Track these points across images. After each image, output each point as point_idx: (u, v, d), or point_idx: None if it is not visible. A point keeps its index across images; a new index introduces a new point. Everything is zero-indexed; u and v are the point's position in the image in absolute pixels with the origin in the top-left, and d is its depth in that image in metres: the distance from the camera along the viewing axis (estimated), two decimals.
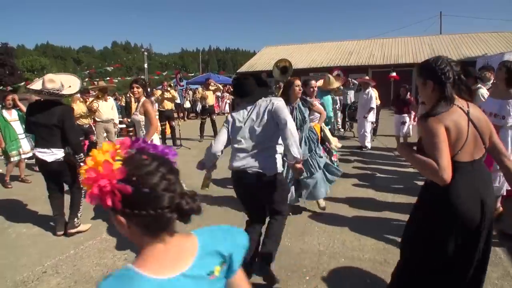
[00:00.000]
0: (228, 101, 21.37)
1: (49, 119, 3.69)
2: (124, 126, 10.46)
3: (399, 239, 3.38)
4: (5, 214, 4.77)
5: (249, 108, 2.77)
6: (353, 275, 2.94)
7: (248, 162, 2.69)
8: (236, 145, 2.77)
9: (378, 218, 4.12)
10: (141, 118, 4.33)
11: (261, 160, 2.68)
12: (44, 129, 3.72)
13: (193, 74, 30.00)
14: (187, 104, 19.00)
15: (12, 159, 6.25)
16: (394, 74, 16.00)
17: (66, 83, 3.89)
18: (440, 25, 30.19)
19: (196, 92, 15.22)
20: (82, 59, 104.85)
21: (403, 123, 7.86)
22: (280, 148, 2.76)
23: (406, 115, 7.85)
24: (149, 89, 7.97)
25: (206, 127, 10.74)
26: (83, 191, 3.77)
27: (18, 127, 6.40)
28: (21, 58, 51.04)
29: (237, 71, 29.26)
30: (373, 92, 8.39)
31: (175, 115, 17.58)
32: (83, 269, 3.21)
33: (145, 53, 20.82)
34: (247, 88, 2.78)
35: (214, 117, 11.05)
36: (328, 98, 6.29)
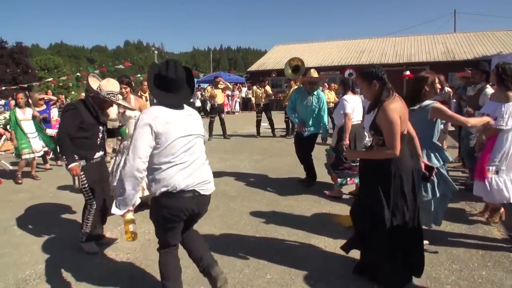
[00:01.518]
0: (238, 100, 21.34)
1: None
2: None
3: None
4: (11, 211, 4.79)
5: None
6: (360, 279, 2.84)
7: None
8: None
9: None
10: (135, 114, 4.29)
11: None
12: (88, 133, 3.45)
13: (203, 73, 30.10)
14: (198, 103, 19.01)
15: (23, 157, 6.31)
16: (408, 73, 15.75)
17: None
18: (454, 23, 29.69)
19: (205, 91, 15.23)
20: (95, 58, 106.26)
21: None
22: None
23: None
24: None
25: (215, 125, 10.73)
26: (89, 205, 3.45)
27: (30, 126, 6.44)
28: (35, 57, 51.88)
29: (248, 69, 29.21)
30: None
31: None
32: (85, 268, 3.18)
33: (155, 52, 20.93)
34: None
35: (223, 115, 11.05)
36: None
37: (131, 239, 2.36)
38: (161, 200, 2.25)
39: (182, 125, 2.24)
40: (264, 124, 11.13)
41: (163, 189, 2.21)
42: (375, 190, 2.56)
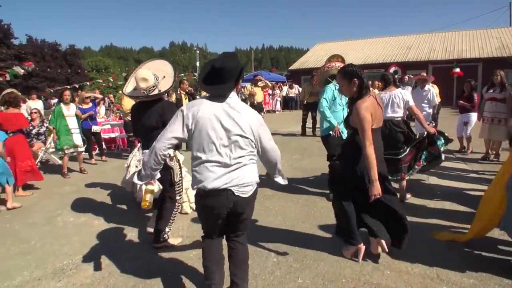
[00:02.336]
0: (279, 99, 21.18)
1: (149, 120, 3.31)
2: None
3: (455, 254, 3.04)
4: (56, 203, 5.04)
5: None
6: None
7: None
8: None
9: (433, 229, 3.68)
10: None
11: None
12: (145, 131, 3.35)
13: (245, 73, 30.25)
14: None
15: (66, 152, 6.62)
16: (457, 70, 14.78)
17: (158, 72, 3.42)
18: (510, 16, 27.42)
19: (244, 89, 15.28)
20: (142, 59, 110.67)
21: (466, 123, 7.13)
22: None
23: (470, 114, 7.10)
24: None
25: None
26: (177, 203, 3.50)
27: (73, 122, 6.76)
28: (87, 59, 55.04)
29: (289, 68, 28.96)
30: (433, 89, 7.71)
31: None
32: (119, 261, 3.23)
33: (197, 52, 21.33)
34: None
35: (263, 114, 10.95)
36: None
37: (146, 207, 2.63)
38: (197, 195, 2.32)
39: (215, 119, 2.14)
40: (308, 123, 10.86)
41: (195, 186, 2.26)
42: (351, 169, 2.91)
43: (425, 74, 8.18)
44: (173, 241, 3.53)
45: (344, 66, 2.97)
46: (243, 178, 2.21)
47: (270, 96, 20.25)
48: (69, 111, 6.76)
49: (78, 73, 35.03)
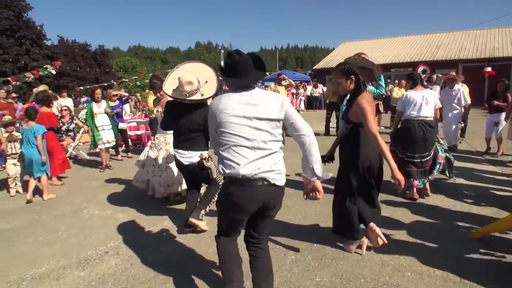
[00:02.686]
0: (303, 98, 21.04)
1: (191, 123, 3.41)
2: None
3: (481, 258, 2.93)
4: (83, 196, 5.23)
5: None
6: None
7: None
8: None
9: (458, 231, 3.56)
10: None
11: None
12: (184, 131, 3.44)
13: (269, 72, 30.22)
14: None
15: (99, 147, 6.87)
16: (489, 69, 14.21)
17: (201, 77, 3.45)
18: None
19: (268, 88, 15.27)
20: (168, 59, 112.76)
21: (497, 123, 6.84)
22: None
23: (502, 114, 6.83)
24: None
25: None
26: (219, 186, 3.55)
27: (104, 119, 6.98)
28: (115, 59, 56.69)
29: (313, 67, 28.72)
30: (463, 88, 7.46)
31: None
32: (141, 253, 3.31)
33: (222, 51, 21.50)
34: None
35: None
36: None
37: None
38: (224, 185, 2.19)
39: (239, 106, 2.09)
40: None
41: (226, 171, 2.11)
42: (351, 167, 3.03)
43: (454, 73, 7.90)
44: (204, 226, 3.66)
45: (339, 64, 2.99)
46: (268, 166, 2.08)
47: (294, 96, 20.15)
48: (100, 108, 6.99)
49: (107, 72, 36.07)
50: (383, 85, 4.65)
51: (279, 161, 2.15)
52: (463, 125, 8.75)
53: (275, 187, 2.11)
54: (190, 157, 3.49)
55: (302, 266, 2.97)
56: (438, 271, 2.81)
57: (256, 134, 2.08)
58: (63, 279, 2.92)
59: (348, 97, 3.11)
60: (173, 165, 4.52)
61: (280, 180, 2.13)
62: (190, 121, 3.42)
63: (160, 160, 4.62)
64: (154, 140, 4.87)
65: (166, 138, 4.69)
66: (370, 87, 4.55)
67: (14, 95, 9.53)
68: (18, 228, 4.11)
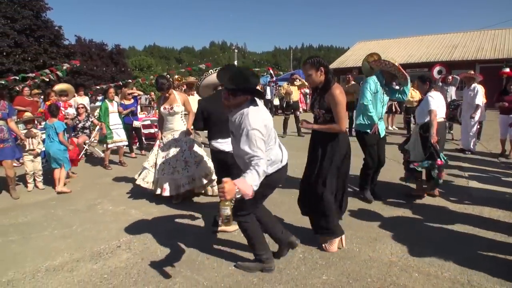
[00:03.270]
0: None
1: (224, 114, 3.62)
2: None
3: (489, 260, 2.91)
4: (97, 192, 5.35)
5: None
6: None
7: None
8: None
9: (468, 234, 3.51)
10: (181, 109, 4.84)
11: None
12: (218, 123, 3.54)
13: (283, 72, 30.16)
14: (276, 101, 19.07)
15: (108, 146, 7.00)
16: (507, 69, 13.88)
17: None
18: None
19: (281, 88, 15.25)
20: (183, 59, 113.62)
21: (511, 125, 6.70)
22: None
23: None
24: None
25: (289, 123, 10.64)
26: None
27: (116, 118, 7.12)
28: (131, 58, 57.49)
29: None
30: (479, 88, 7.33)
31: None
32: (152, 248, 3.39)
33: (236, 51, 21.60)
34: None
35: (298, 113, 10.86)
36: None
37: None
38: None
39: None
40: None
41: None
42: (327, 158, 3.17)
43: (472, 72, 7.79)
44: (229, 228, 3.60)
45: (308, 57, 3.13)
46: None
47: (307, 96, 20.06)
48: (113, 107, 7.13)
49: (123, 71, 36.58)
50: (408, 92, 4.45)
51: None
52: (478, 127, 8.60)
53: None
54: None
55: (309, 264, 3.00)
56: (446, 272, 2.80)
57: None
58: (77, 271, 3.02)
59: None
60: (191, 160, 4.69)
61: None
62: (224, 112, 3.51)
63: (174, 158, 4.66)
64: (161, 139, 4.85)
65: (175, 135, 4.76)
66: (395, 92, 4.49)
67: (36, 91, 9.78)
68: (35, 221, 4.25)
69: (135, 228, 3.91)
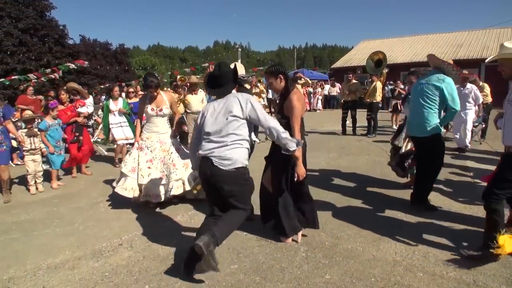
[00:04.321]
0: (320, 97, 20.88)
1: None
2: None
3: (496, 260, 2.85)
4: (100, 190, 5.36)
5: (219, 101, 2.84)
6: None
7: (211, 151, 2.71)
8: (204, 136, 2.82)
9: (474, 233, 3.46)
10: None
11: (223, 152, 2.70)
12: None
13: (289, 70, 30.10)
14: None
15: (118, 143, 7.00)
16: None
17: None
18: None
19: None
20: (187, 58, 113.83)
21: None
22: (245, 143, 2.79)
23: None
24: None
25: None
26: None
27: (119, 117, 7.11)
28: (135, 58, 57.70)
29: (331, 66, 28.45)
30: (475, 87, 7.44)
31: (267, 110, 17.85)
32: (154, 246, 3.38)
33: (239, 50, 21.59)
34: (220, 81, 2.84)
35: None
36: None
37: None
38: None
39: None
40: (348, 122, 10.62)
41: None
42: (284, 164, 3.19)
43: (467, 72, 7.83)
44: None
45: (269, 67, 3.35)
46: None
47: (312, 95, 20.01)
48: (117, 106, 7.12)
49: (127, 71, 36.66)
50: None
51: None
52: (483, 126, 8.53)
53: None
54: None
55: (312, 264, 2.96)
56: (451, 272, 2.75)
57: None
58: (78, 269, 3.01)
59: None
60: (179, 163, 4.36)
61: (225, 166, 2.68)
62: None
63: (161, 162, 4.34)
64: (143, 140, 4.43)
65: (161, 138, 4.44)
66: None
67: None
68: (37, 219, 4.25)
69: (137, 227, 3.89)
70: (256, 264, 2.98)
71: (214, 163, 2.66)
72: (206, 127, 2.78)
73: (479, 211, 4.04)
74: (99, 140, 9.12)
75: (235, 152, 2.68)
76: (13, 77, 12.94)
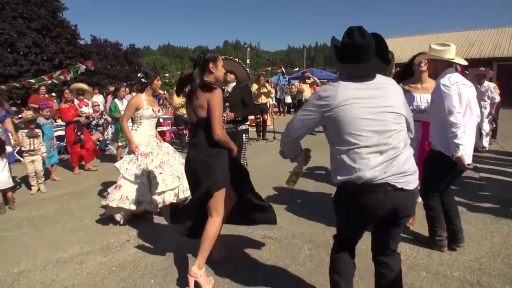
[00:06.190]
0: None
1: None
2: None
3: (500, 261, 2.85)
4: (109, 187, 5.41)
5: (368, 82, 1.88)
6: None
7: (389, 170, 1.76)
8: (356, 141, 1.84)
9: (480, 233, 3.45)
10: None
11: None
12: None
13: (297, 70, 30.01)
14: (288, 99, 19.01)
15: (119, 144, 7.08)
16: None
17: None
18: None
19: (293, 86, 15.18)
20: (197, 58, 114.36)
21: None
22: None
23: None
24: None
25: None
26: None
27: None
28: (146, 58, 58.19)
29: None
30: (492, 86, 7.21)
31: (276, 109, 17.83)
32: (160, 242, 3.44)
33: (248, 49, 21.64)
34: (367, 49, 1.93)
35: None
36: None
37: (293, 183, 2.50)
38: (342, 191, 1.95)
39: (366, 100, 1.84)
40: None
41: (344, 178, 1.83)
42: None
43: (483, 69, 7.65)
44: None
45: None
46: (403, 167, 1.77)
47: None
48: (123, 105, 7.21)
49: (137, 71, 36.99)
50: None
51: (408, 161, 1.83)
52: (494, 125, 8.42)
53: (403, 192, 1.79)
54: None
55: (316, 261, 2.98)
56: (455, 272, 2.75)
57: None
58: (86, 263, 3.08)
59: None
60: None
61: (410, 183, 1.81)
62: None
63: (168, 165, 4.06)
64: (143, 147, 4.02)
65: (157, 141, 4.22)
66: None
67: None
68: (48, 215, 4.36)
69: (144, 223, 3.96)
70: (260, 261, 3.01)
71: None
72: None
73: (486, 210, 4.02)
74: (108, 138, 9.24)
75: None
76: (28, 80, 13.21)
